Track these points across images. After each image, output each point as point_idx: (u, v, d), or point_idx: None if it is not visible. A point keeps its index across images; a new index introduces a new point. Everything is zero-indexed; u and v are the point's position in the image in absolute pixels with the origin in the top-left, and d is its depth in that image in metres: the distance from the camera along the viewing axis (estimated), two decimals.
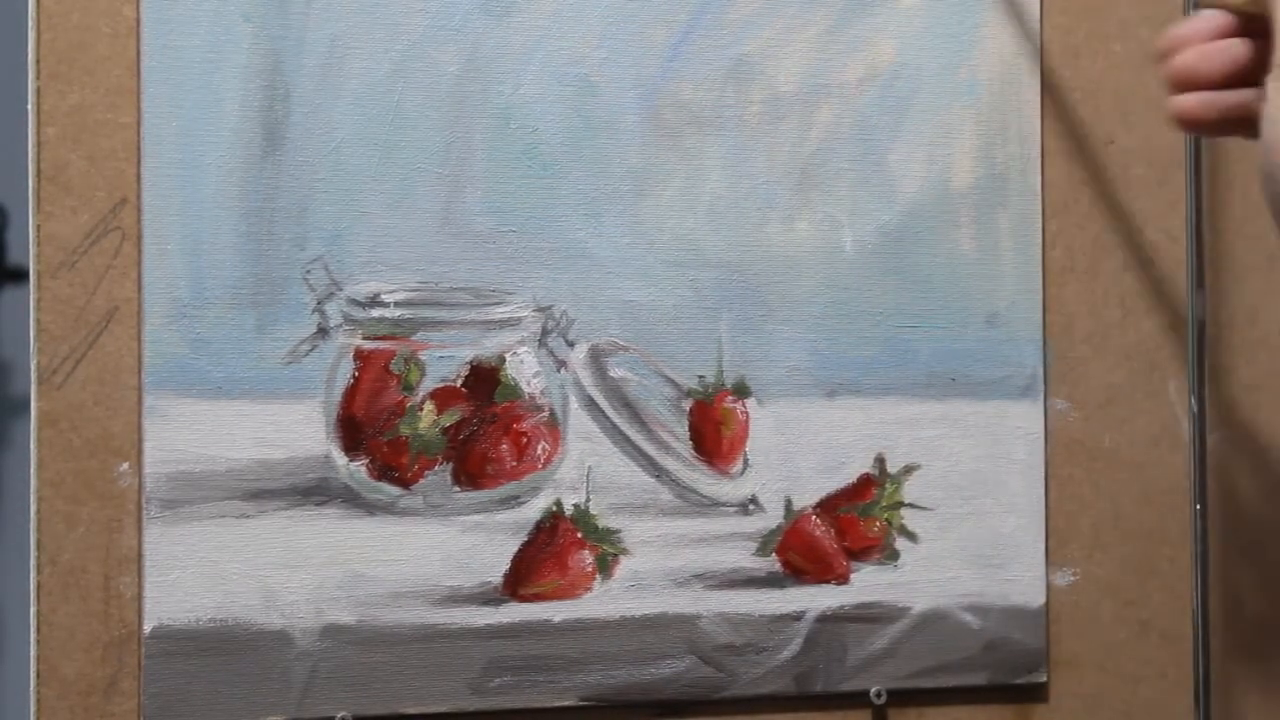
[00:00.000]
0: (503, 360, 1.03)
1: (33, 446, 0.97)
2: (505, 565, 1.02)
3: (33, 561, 0.97)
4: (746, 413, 1.05)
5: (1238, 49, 0.76)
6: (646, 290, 1.04)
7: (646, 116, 1.04)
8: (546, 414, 1.03)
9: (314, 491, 1.00)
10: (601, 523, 1.03)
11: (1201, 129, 0.78)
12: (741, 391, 1.05)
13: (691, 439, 1.05)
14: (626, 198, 1.04)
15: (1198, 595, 1.11)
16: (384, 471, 1.01)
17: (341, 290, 1.00)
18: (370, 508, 1.01)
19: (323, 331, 1.00)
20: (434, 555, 1.01)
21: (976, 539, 1.08)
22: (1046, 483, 1.09)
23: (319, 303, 1.00)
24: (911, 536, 1.07)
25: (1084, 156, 1.10)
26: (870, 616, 1.06)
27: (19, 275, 1.90)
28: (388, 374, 1.01)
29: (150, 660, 0.98)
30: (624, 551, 1.03)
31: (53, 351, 0.97)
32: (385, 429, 1.01)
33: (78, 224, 0.97)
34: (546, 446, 1.03)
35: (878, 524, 1.07)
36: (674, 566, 1.04)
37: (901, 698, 1.07)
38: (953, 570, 1.07)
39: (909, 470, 1.07)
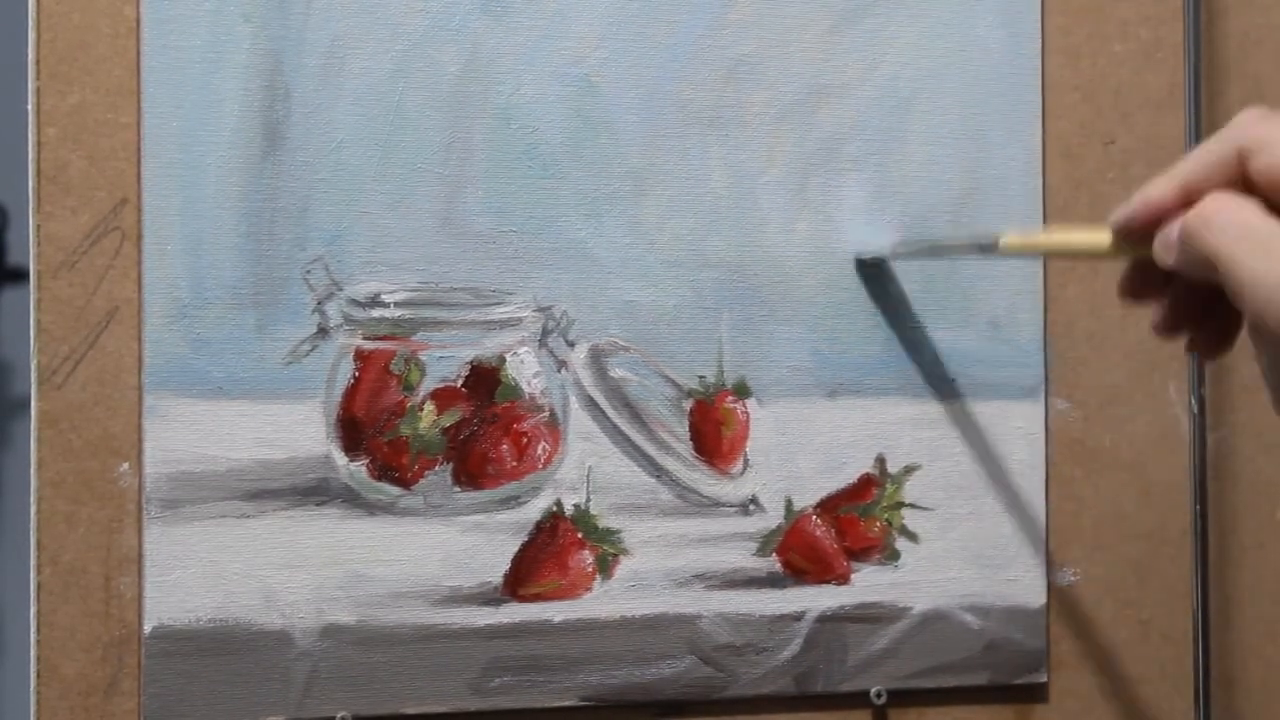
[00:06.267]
0: (503, 360, 1.03)
1: (33, 447, 0.97)
2: (505, 565, 1.02)
3: (33, 561, 0.97)
4: (747, 413, 1.05)
5: None
6: (647, 290, 1.04)
7: (647, 117, 1.04)
8: (547, 414, 1.03)
9: (314, 492, 1.00)
10: (602, 523, 1.03)
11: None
12: (742, 391, 1.05)
13: (692, 439, 1.05)
14: (627, 198, 1.04)
15: (1198, 595, 1.11)
16: (384, 472, 1.01)
17: (342, 290, 1.00)
18: (370, 508, 1.01)
19: (323, 331, 1.00)
20: (434, 555, 1.01)
21: (977, 539, 1.08)
22: (1047, 483, 1.09)
23: (319, 303, 1.00)
24: (912, 537, 1.07)
25: (1084, 157, 1.10)
26: (871, 617, 1.06)
27: (19, 275, 1.90)
28: (388, 374, 1.01)
29: (150, 660, 0.97)
30: (624, 552, 1.03)
31: (53, 352, 0.97)
32: (385, 429, 1.01)
33: (78, 224, 0.97)
34: (547, 447, 1.03)
35: (878, 524, 1.06)
36: (674, 567, 1.04)
37: (902, 698, 1.07)
38: (953, 570, 1.07)
39: (909, 470, 1.07)
